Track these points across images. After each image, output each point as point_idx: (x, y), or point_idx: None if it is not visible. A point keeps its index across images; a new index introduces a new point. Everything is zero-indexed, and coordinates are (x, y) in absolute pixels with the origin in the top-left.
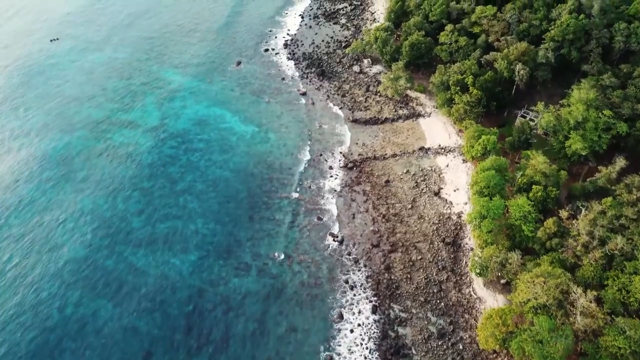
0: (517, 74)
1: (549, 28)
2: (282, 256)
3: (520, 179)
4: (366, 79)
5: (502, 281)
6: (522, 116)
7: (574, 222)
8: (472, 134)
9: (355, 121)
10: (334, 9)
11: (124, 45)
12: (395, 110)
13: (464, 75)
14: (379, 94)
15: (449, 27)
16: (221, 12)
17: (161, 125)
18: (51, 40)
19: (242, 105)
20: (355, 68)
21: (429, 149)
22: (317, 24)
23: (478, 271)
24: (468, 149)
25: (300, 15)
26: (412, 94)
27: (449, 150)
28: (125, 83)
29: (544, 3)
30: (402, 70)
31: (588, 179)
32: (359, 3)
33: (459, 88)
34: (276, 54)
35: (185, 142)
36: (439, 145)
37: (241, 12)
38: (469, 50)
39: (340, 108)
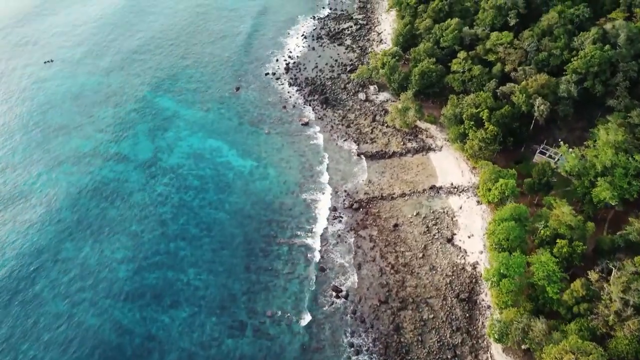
0: (536, 109)
1: (571, 58)
2: (280, 313)
3: (543, 231)
4: (372, 108)
5: (524, 346)
6: (541, 152)
7: (604, 284)
8: (489, 176)
9: (361, 155)
10: (338, 28)
11: (117, 68)
12: (404, 143)
13: (479, 109)
14: (386, 125)
15: (461, 54)
16: (219, 33)
17: (153, 160)
18: (45, 62)
19: (240, 137)
20: (361, 95)
21: (440, 187)
22: (321, 45)
23: (497, 337)
24: (484, 193)
25: (303, 35)
26: (422, 124)
27: (463, 190)
28: (116, 110)
29: (564, 30)
30: (411, 101)
31: (618, 233)
32: (364, 22)
33: (473, 122)
34: (277, 78)
35: (178, 178)
36: (452, 184)
37: (240, 32)
38: (484, 80)
39: (345, 140)
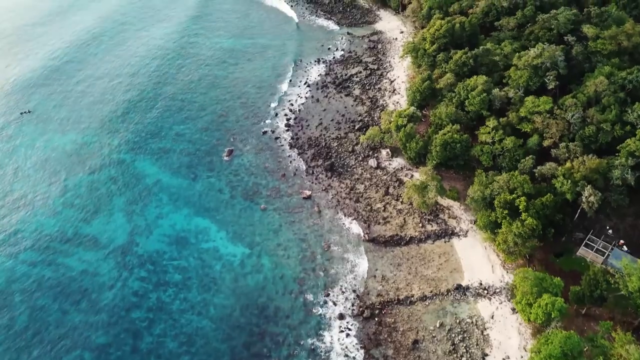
0: (584, 200)
1: (625, 135)
2: None
3: None
4: (385, 177)
5: None
6: (587, 244)
7: None
8: (529, 288)
9: (372, 240)
10: (346, 74)
11: (95, 123)
12: (422, 225)
13: (514, 195)
14: (401, 200)
15: (491, 121)
16: (211, 80)
17: (129, 245)
18: (22, 113)
19: (232, 215)
20: (372, 162)
21: (467, 288)
22: (326, 95)
23: None
24: (523, 308)
25: (306, 84)
26: (443, 201)
27: (494, 292)
28: (90, 178)
29: (615, 100)
30: (430, 178)
31: None
32: (375, 67)
33: (507, 211)
34: (276, 138)
35: (157, 271)
36: (481, 283)
37: (236, 79)
38: (518, 155)
39: (354, 219)
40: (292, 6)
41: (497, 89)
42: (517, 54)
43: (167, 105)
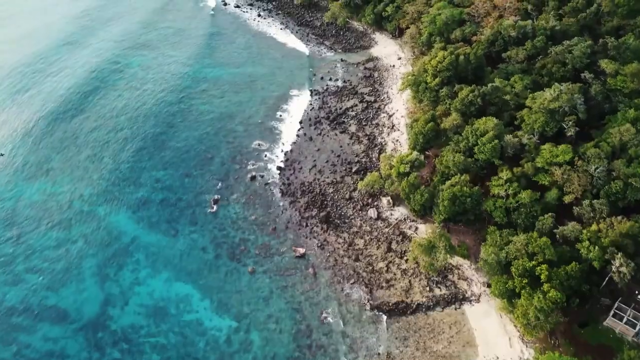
0: (614, 269)
1: None
2: None
3: None
4: (386, 230)
5: None
6: (616, 314)
7: None
8: None
9: (375, 308)
10: (341, 108)
11: (68, 168)
12: (430, 289)
13: (534, 262)
14: (405, 259)
15: (504, 172)
16: (195, 116)
17: (102, 319)
18: None
19: (217, 279)
20: (371, 212)
21: None
22: (320, 133)
23: None
24: None
25: (298, 119)
26: (452, 259)
27: None
28: (58, 236)
29: None
30: (438, 237)
31: None
32: (372, 99)
33: (526, 281)
34: (266, 184)
35: (132, 351)
36: None
37: (223, 114)
38: (535, 211)
39: (354, 282)
40: (280, 29)
41: (510, 136)
42: (530, 94)
43: (146, 147)
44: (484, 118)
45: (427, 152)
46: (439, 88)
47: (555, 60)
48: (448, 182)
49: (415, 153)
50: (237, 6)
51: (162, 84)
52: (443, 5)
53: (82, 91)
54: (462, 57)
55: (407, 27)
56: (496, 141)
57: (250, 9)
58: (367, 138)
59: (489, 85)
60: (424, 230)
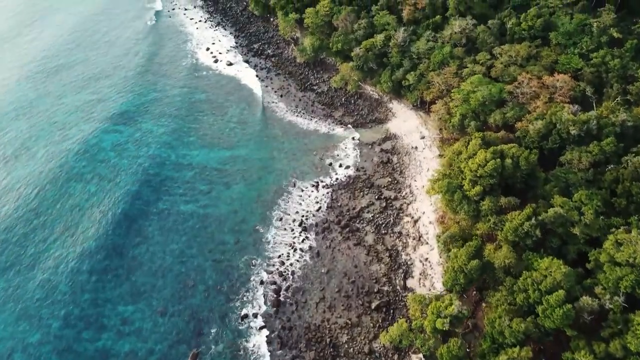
0: None
1: None
2: None
3: None
4: None
5: None
6: None
7: None
8: None
9: None
10: (354, 209)
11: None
12: None
13: None
14: None
15: (582, 354)
16: (173, 225)
17: None
18: None
19: None
20: None
21: None
22: (329, 245)
23: None
24: None
25: (302, 226)
26: None
27: None
28: None
29: None
30: None
31: None
32: (392, 195)
33: None
34: (260, 327)
35: None
36: None
37: (209, 218)
38: None
39: None
40: (281, 95)
41: (588, 298)
42: (611, 236)
43: (113, 267)
44: (546, 260)
45: (470, 291)
46: (479, 199)
47: (634, 177)
48: (503, 358)
49: (455, 306)
50: (230, 64)
51: (138, 174)
52: (478, 79)
53: (40, 185)
54: (509, 159)
55: (433, 101)
56: (569, 306)
57: (246, 67)
58: (388, 254)
59: (550, 211)
60: None
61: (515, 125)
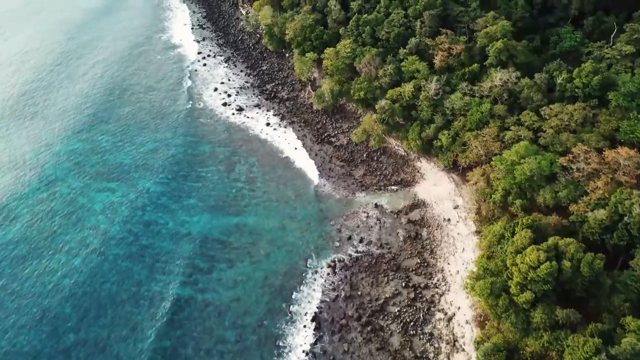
0: None
1: None
2: None
3: None
4: None
5: None
6: None
7: None
8: None
9: None
10: (377, 299)
11: None
12: None
13: None
14: None
15: None
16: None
17: None
18: None
19: None
20: None
21: None
22: (347, 349)
23: None
24: None
25: (315, 321)
26: None
27: None
28: None
29: None
30: None
31: None
32: (421, 282)
33: None
34: None
35: None
36: None
37: (209, 308)
38: None
39: None
40: (295, 148)
41: None
42: None
43: None
44: None
45: None
46: (529, 307)
47: None
48: None
49: None
50: (240, 109)
51: (130, 245)
52: (525, 148)
53: (17, 256)
54: (567, 261)
55: (469, 167)
56: None
57: (257, 113)
58: None
59: (624, 343)
60: None
61: (570, 207)
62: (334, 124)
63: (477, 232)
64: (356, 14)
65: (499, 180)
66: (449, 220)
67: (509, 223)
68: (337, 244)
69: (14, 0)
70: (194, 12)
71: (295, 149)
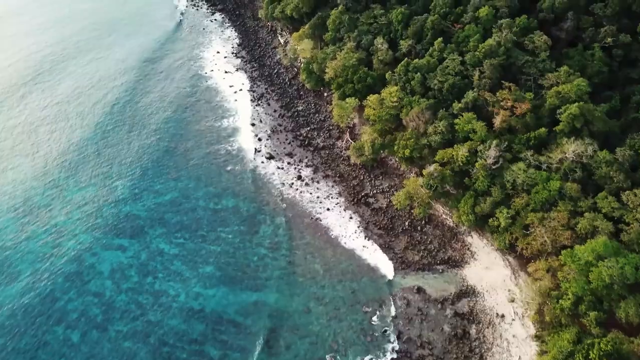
0: None
1: None
2: None
3: None
4: None
5: None
6: None
7: None
8: None
9: None
10: None
11: None
12: None
13: None
14: None
15: None
16: None
17: None
18: None
19: None
20: None
21: None
22: None
23: None
24: None
25: None
26: None
27: None
28: None
29: None
30: None
31: None
32: None
33: None
34: None
35: None
36: None
37: None
38: None
39: None
40: (329, 208)
41: None
42: None
43: None
44: None
45: None
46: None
47: None
48: None
49: None
50: (270, 157)
51: (136, 321)
52: (604, 245)
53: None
54: None
55: (531, 255)
56: None
57: (289, 163)
58: None
59: None
60: None
61: None
62: (372, 181)
63: (537, 337)
64: (405, 58)
65: (569, 282)
66: (502, 316)
67: (580, 339)
68: (370, 338)
69: None
70: (228, 37)
71: (328, 209)
